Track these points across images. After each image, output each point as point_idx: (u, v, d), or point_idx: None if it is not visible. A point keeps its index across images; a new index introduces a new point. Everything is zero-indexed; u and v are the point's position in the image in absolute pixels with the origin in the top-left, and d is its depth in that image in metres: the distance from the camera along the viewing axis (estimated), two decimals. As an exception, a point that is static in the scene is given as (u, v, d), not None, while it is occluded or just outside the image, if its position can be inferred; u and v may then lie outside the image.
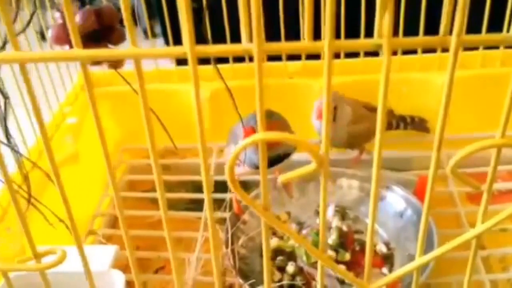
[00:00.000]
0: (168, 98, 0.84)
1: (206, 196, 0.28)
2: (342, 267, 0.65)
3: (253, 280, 0.59)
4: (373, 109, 0.74)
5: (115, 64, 0.78)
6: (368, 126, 0.74)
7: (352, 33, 0.76)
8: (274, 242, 0.68)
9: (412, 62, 0.83)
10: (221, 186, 0.84)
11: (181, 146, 0.90)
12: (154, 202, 0.83)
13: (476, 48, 0.81)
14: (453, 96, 0.24)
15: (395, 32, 0.22)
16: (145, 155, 0.89)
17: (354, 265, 0.65)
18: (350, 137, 0.74)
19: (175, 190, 0.83)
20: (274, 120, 0.62)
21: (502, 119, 0.24)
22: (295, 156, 0.70)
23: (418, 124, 0.82)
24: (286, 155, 0.66)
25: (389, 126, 0.80)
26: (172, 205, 0.82)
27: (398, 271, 0.31)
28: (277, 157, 0.64)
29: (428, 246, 0.47)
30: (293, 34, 0.79)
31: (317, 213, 0.72)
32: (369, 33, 0.78)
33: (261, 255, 0.70)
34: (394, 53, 0.83)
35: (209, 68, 0.87)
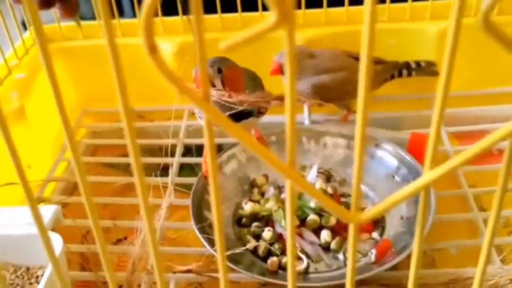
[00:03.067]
0: (132, 54, 0.74)
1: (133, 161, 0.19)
2: (326, 232, 0.57)
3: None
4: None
5: (70, 12, 0.69)
6: (346, 77, 0.67)
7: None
8: (249, 207, 0.60)
9: (401, 11, 0.75)
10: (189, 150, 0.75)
11: (149, 108, 0.81)
12: (116, 168, 0.74)
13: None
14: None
15: None
16: (108, 119, 0.80)
17: (340, 230, 0.57)
18: (316, 88, 0.67)
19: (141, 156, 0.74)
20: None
21: None
22: (267, 118, 0.62)
23: (424, 69, 0.72)
24: (252, 112, 0.59)
25: (391, 78, 0.71)
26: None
27: (400, 192, 0.22)
28: (243, 112, 0.58)
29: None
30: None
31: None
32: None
33: (235, 222, 0.62)
34: (382, 1, 0.76)
35: (175, 20, 0.79)
